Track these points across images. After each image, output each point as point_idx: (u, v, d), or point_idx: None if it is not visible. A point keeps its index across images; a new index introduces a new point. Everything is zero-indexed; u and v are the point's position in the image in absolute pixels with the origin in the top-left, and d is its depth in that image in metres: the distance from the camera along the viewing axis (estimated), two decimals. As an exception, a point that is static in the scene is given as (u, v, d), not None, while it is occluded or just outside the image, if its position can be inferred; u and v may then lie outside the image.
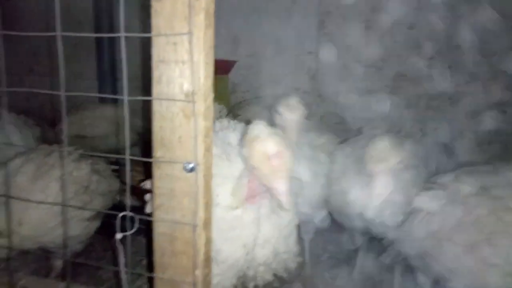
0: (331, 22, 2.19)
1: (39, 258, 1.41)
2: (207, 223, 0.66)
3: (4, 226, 1.01)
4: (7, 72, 0.69)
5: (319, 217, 1.37)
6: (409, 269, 1.27)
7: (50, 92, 0.67)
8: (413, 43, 2.05)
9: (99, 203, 1.19)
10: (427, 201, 1.14)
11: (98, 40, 2.22)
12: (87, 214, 1.11)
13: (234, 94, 2.33)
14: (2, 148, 1.31)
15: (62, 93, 0.67)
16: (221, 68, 1.67)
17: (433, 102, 2.07)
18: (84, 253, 1.36)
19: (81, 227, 1.11)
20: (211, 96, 0.64)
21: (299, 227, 1.33)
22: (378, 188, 1.14)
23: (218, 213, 0.88)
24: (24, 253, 1.21)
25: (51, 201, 1.07)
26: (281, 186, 0.81)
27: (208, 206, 0.66)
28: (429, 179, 1.25)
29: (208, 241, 0.67)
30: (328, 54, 2.18)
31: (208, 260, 0.67)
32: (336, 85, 2.19)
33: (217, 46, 1.98)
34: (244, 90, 2.35)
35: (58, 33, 0.59)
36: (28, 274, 0.84)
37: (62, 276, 1.22)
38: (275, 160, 0.81)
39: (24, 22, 2.36)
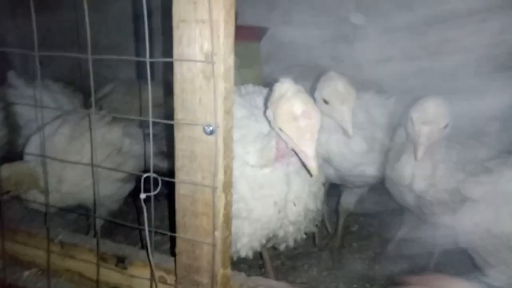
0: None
1: (79, 219, 1.51)
2: (227, 186, 0.66)
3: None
4: (53, 44, 0.70)
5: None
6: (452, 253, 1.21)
7: (76, 55, 0.69)
8: (462, 3, 1.88)
9: (132, 165, 1.23)
10: (473, 188, 1.06)
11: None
12: (120, 175, 1.16)
13: (268, 63, 2.28)
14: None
15: (89, 56, 0.68)
16: (252, 34, 1.63)
17: (483, 69, 1.90)
18: (121, 214, 1.43)
19: (114, 187, 1.16)
20: (231, 57, 0.62)
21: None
22: (425, 156, 1.04)
23: (248, 172, 0.88)
24: (65, 212, 1.30)
25: (86, 161, 1.11)
26: (308, 150, 0.76)
27: (229, 168, 0.66)
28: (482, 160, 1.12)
29: (228, 204, 0.67)
30: (367, 20, 2.06)
31: (228, 222, 0.68)
32: (375, 53, 2.07)
33: (250, 12, 1.93)
34: (279, 59, 2.30)
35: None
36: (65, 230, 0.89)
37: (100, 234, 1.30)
38: (302, 120, 0.76)
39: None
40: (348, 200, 1.41)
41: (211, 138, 0.62)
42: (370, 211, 1.73)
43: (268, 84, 1.84)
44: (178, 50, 0.62)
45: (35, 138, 1.19)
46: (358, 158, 1.20)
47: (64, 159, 1.06)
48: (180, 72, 0.63)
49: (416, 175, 1.11)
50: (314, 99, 1.09)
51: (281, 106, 0.79)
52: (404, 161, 1.14)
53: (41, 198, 1.08)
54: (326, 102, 1.10)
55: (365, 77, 2.13)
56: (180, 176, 0.67)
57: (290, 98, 0.79)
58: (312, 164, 0.77)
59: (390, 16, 2.01)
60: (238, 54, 1.70)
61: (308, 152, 0.77)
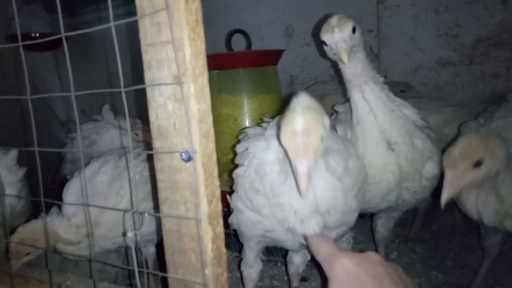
0: (392, -7, 1.96)
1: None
2: (214, 217, 0.59)
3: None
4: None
5: None
6: None
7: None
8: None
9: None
10: None
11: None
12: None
13: (292, 87, 2.24)
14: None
15: (72, 94, 0.67)
16: (268, 58, 1.59)
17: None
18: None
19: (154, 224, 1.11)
20: (203, 76, 0.57)
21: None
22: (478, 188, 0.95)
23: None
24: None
25: (126, 201, 1.09)
26: (299, 167, 0.70)
27: (214, 197, 0.59)
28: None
29: (218, 237, 0.60)
30: (390, 29, 1.96)
31: (220, 258, 0.61)
32: (403, 62, 1.95)
33: (269, 38, 1.93)
34: (302, 82, 2.25)
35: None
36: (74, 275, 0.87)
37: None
38: (300, 136, 0.71)
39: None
40: (387, 225, 1.27)
41: (189, 165, 0.57)
42: (412, 235, 1.57)
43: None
44: (148, 75, 0.59)
45: (75, 183, 1.17)
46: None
47: (104, 202, 1.05)
48: (153, 98, 0.59)
49: (482, 210, 0.98)
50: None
51: (285, 120, 0.74)
52: (464, 199, 1.02)
53: (73, 248, 1.06)
54: (325, 44, 1.05)
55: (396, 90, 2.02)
56: (164, 210, 0.61)
57: (295, 113, 0.74)
58: (301, 183, 0.71)
59: (418, 20, 1.90)
60: (254, 80, 1.68)
61: (299, 169, 0.70)
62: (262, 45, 2.16)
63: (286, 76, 2.22)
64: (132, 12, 0.58)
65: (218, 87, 1.51)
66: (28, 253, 0.95)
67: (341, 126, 1.17)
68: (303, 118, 0.73)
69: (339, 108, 1.27)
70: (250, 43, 1.64)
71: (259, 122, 1.35)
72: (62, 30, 0.65)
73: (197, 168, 0.57)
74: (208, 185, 0.58)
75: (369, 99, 1.05)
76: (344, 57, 1.00)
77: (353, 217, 0.93)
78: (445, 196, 0.91)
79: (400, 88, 1.60)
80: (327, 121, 0.76)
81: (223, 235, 0.62)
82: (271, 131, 0.97)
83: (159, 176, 0.61)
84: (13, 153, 1.43)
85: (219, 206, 0.61)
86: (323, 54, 2.13)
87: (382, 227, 1.30)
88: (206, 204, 0.58)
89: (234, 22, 2.23)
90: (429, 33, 1.88)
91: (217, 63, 1.48)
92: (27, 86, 0.73)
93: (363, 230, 1.60)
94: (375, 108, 1.05)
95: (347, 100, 1.15)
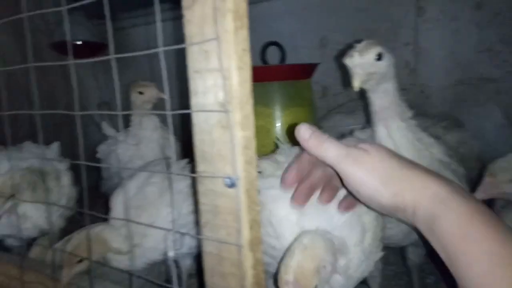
0: (432, 7, 1.92)
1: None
2: (255, 243, 0.60)
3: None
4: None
5: None
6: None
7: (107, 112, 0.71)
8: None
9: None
10: None
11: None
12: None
13: (324, 98, 2.22)
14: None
15: (120, 113, 0.70)
16: (303, 72, 1.59)
17: None
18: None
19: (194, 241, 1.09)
20: (249, 104, 0.58)
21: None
22: None
23: None
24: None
25: (176, 214, 1.07)
26: None
27: (255, 223, 0.60)
28: None
29: (258, 263, 0.60)
30: (428, 43, 1.91)
31: (259, 284, 0.61)
32: (441, 77, 1.90)
33: (302, 49, 1.94)
34: (336, 93, 2.23)
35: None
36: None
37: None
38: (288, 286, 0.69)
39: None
40: (417, 252, 1.23)
41: (233, 191, 0.58)
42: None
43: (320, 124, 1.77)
44: (194, 100, 0.60)
45: (120, 194, 1.17)
46: None
47: (154, 213, 1.03)
48: (198, 123, 0.60)
49: None
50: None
51: (282, 263, 0.71)
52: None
53: (120, 258, 1.05)
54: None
55: (432, 107, 1.96)
56: (205, 233, 0.62)
57: (290, 260, 0.70)
58: None
59: (459, 35, 1.84)
60: (287, 94, 1.69)
61: None
62: (295, 56, 2.16)
63: (318, 87, 2.20)
64: (179, 16, 0.59)
65: (252, 100, 1.52)
66: (81, 261, 0.95)
67: None
68: (295, 270, 0.69)
69: (360, 135, 1.24)
70: (285, 55, 1.64)
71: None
72: (112, 50, 0.67)
73: (240, 194, 0.57)
74: (250, 211, 0.59)
75: (395, 137, 1.01)
76: (355, 82, 0.97)
77: (371, 265, 0.87)
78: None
79: (442, 124, 1.48)
80: (328, 267, 0.72)
81: (263, 261, 0.62)
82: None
83: (202, 199, 0.62)
84: (55, 145, 1.58)
85: (260, 232, 0.61)
86: (344, 74, 2.12)
87: (413, 254, 1.26)
88: (248, 230, 0.58)
89: (266, 32, 2.23)
90: (469, 48, 1.81)
91: (252, 75, 1.49)
92: (76, 103, 0.75)
93: (395, 250, 1.56)
94: (400, 147, 1.00)
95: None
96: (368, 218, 0.84)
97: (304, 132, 0.68)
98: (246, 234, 0.58)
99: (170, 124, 0.64)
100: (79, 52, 2.37)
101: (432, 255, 0.75)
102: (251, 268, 0.59)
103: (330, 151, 0.64)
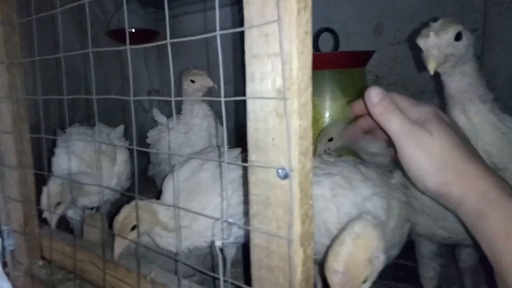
0: (505, -10, 1.74)
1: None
2: (306, 238, 0.57)
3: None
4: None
5: None
6: None
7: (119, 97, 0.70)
8: None
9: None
10: None
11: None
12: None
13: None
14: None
15: (131, 98, 0.69)
16: (357, 60, 1.51)
17: None
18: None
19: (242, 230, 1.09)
20: (307, 91, 0.55)
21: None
22: None
23: None
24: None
25: (225, 204, 1.04)
26: None
27: (307, 218, 0.57)
28: None
29: (308, 259, 0.58)
30: (499, 28, 1.74)
31: (308, 280, 0.58)
32: (511, 67, 1.72)
33: (356, 36, 1.85)
34: (389, 83, 2.11)
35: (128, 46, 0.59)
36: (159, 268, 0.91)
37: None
38: (337, 276, 0.69)
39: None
40: (473, 253, 1.14)
41: (286, 182, 0.55)
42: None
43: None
44: (250, 87, 0.58)
45: (172, 179, 1.19)
46: None
47: (206, 200, 1.04)
48: (253, 111, 0.58)
49: None
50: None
51: (331, 251, 0.69)
52: None
53: (166, 235, 1.07)
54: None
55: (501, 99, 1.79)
56: (255, 224, 0.61)
57: (341, 248, 0.69)
58: None
59: None
60: (340, 82, 1.62)
61: None
62: (348, 43, 2.07)
63: (371, 76, 2.10)
64: (233, 3, 0.56)
65: (302, 88, 1.48)
66: (134, 228, 0.98)
67: None
68: (346, 259, 0.67)
69: None
70: (338, 42, 1.57)
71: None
72: (168, 36, 0.66)
73: (293, 186, 0.55)
74: (302, 204, 0.56)
75: (475, 121, 0.93)
76: (430, 65, 0.89)
77: (396, 250, 0.94)
78: None
79: None
80: (382, 256, 0.70)
81: (312, 256, 0.59)
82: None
83: (252, 189, 0.60)
84: (121, 128, 1.79)
85: (312, 227, 0.58)
86: (416, 56, 1.97)
87: (467, 255, 1.17)
88: (300, 225, 0.56)
89: (319, 19, 2.16)
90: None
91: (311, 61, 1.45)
92: (131, 89, 0.76)
93: (448, 251, 1.46)
94: (482, 132, 0.93)
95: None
96: (396, 203, 0.91)
97: (374, 96, 0.66)
98: (297, 228, 0.56)
99: (223, 110, 0.62)
100: (133, 39, 2.44)
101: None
102: (301, 264, 0.57)
103: (394, 123, 0.63)
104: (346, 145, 1.25)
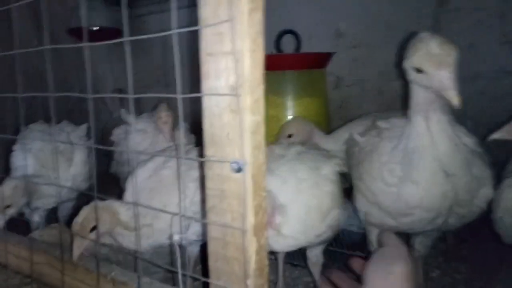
0: (454, -3, 1.86)
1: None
2: (260, 229, 0.59)
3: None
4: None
5: None
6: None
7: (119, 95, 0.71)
8: None
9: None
10: None
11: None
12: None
13: (337, 89, 2.19)
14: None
15: (89, 96, 0.70)
16: (317, 61, 1.56)
17: None
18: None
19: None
20: (260, 88, 0.57)
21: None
22: None
23: None
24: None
25: (188, 201, 1.05)
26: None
27: (261, 209, 0.60)
28: None
29: (262, 248, 0.60)
30: (448, 34, 1.85)
31: (262, 269, 0.61)
32: (460, 70, 1.84)
33: (317, 39, 1.90)
34: (349, 84, 2.19)
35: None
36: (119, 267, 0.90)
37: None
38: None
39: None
40: (424, 243, 1.21)
41: (239, 176, 0.57)
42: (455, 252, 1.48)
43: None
44: (205, 84, 0.59)
45: (140, 173, 1.18)
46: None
47: (167, 197, 1.04)
48: (209, 107, 0.60)
49: None
50: (404, 71, 0.98)
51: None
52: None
53: (128, 234, 1.05)
54: (419, 71, 0.92)
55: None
56: (211, 217, 0.62)
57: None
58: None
59: (484, 26, 1.78)
60: (299, 83, 1.67)
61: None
62: (310, 45, 2.13)
63: (333, 77, 2.17)
64: (194, 4, 0.58)
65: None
66: (93, 229, 0.96)
67: (388, 144, 1.10)
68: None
69: (383, 124, 1.20)
70: (300, 44, 1.62)
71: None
72: (125, 34, 0.67)
73: (246, 179, 0.57)
74: (256, 196, 0.58)
75: (434, 130, 0.97)
76: (456, 100, 0.86)
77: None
78: (496, 135, 1.02)
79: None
80: None
81: (266, 247, 0.62)
82: None
83: (208, 183, 0.62)
84: (84, 127, 1.76)
85: (265, 218, 0.61)
86: (373, 57, 2.05)
87: (420, 244, 1.24)
88: (253, 216, 0.58)
89: (282, 21, 2.20)
90: (491, 40, 1.76)
91: (265, 63, 1.48)
92: (88, 86, 0.76)
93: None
94: (438, 141, 0.97)
95: None
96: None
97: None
98: (250, 219, 0.58)
99: (181, 107, 0.63)
100: (96, 37, 2.38)
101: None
102: (255, 253, 0.59)
103: None
104: (304, 140, 1.30)
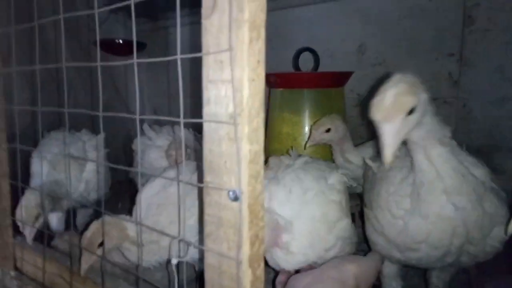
0: (481, 16, 1.79)
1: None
2: (256, 259, 0.58)
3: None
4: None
5: None
6: None
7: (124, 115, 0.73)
8: None
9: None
10: None
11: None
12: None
13: (358, 107, 2.15)
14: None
15: (137, 116, 0.71)
16: (335, 80, 1.54)
17: None
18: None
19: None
20: (259, 117, 0.57)
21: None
22: None
23: None
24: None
25: (194, 220, 1.04)
26: None
27: (257, 239, 0.58)
28: None
29: (258, 280, 0.59)
30: (475, 54, 1.79)
31: (257, 301, 0.59)
32: (487, 92, 1.77)
33: (339, 55, 1.88)
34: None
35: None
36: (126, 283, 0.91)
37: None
38: None
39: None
40: (442, 277, 1.15)
41: (235, 204, 0.57)
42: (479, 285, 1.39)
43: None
44: (206, 110, 0.60)
45: (148, 190, 1.22)
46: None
47: (174, 214, 1.03)
48: (208, 133, 0.60)
49: None
50: None
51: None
52: None
53: (136, 250, 1.06)
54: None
55: (474, 124, 1.83)
56: (208, 244, 0.62)
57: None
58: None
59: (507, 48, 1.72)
60: (318, 101, 1.65)
61: None
62: (332, 62, 2.11)
63: (353, 94, 2.14)
64: (197, 21, 0.58)
65: (280, 106, 1.51)
66: (101, 244, 0.97)
67: (398, 175, 1.05)
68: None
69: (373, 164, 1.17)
70: (318, 62, 1.61)
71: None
72: (135, 56, 0.68)
73: (242, 208, 0.56)
74: (252, 226, 0.57)
75: (436, 164, 0.93)
76: (386, 157, 0.81)
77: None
78: None
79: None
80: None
81: (263, 278, 0.60)
82: None
83: (207, 209, 0.62)
84: (101, 136, 1.77)
85: (262, 248, 0.60)
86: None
87: (437, 279, 1.19)
88: (249, 246, 0.57)
89: (303, 37, 2.20)
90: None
91: (282, 82, 1.48)
92: (100, 103, 0.78)
93: (418, 273, 1.47)
94: (443, 174, 0.93)
95: None
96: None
97: None
98: (246, 249, 0.57)
99: (182, 131, 0.64)
100: (121, 50, 2.46)
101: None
102: (249, 285, 0.58)
103: None
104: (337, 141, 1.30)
